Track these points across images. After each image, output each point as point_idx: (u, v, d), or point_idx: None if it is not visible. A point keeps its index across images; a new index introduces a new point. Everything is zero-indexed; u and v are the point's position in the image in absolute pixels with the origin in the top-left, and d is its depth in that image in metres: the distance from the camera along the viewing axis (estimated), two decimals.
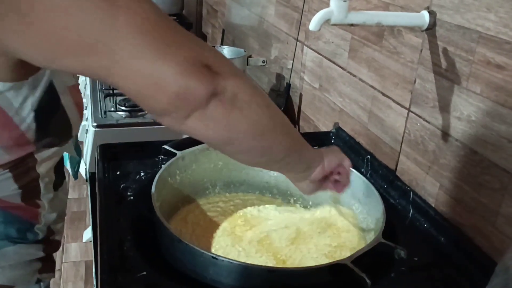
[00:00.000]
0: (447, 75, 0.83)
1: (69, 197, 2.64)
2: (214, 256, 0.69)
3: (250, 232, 0.85)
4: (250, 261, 0.77)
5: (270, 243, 0.82)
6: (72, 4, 0.43)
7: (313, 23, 0.77)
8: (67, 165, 0.90)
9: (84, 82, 1.99)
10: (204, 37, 2.88)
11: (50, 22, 0.44)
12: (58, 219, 0.79)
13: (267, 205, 0.95)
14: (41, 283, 0.78)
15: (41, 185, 0.71)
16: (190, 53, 0.47)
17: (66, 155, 0.85)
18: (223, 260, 0.68)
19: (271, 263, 0.77)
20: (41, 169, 0.70)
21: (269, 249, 0.81)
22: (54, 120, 0.67)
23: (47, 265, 0.78)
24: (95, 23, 0.44)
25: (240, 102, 0.51)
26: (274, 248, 0.81)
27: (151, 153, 1.02)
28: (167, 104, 0.47)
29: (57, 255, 2.18)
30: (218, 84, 0.48)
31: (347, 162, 0.76)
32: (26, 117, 0.61)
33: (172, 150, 0.95)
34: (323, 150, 0.74)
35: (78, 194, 2.67)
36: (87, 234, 2.26)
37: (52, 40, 0.45)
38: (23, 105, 0.60)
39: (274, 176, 1.02)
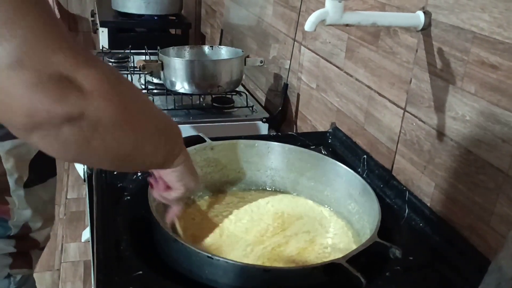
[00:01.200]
0: (442, 75, 0.83)
1: (68, 197, 2.64)
2: (209, 255, 0.69)
3: (246, 232, 0.86)
4: (247, 260, 0.77)
5: (268, 243, 0.83)
6: None
7: (309, 24, 0.78)
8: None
9: None
10: (203, 37, 2.89)
11: None
12: (36, 216, 0.78)
13: (263, 203, 0.95)
14: (12, 278, 0.77)
15: (10, 181, 0.70)
16: (50, 60, 0.37)
17: None
18: (218, 260, 0.69)
19: (266, 262, 0.78)
20: (8, 165, 0.68)
21: (265, 249, 0.81)
22: None
23: (20, 261, 0.78)
24: None
25: (103, 129, 0.42)
26: (270, 248, 0.81)
27: None
28: (9, 117, 0.38)
29: (56, 255, 2.19)
30: (77, 107, 0.39)
31: (176, 192, 0.69)
32: None
33: None
34: (186, 164, 0.66)
35: (77, 194, 2.67)
36: (86, 234, 2.26)
37: None
38: None
39: (271, 175, 1.02)
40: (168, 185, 0.69)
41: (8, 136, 0.67)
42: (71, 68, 0.38)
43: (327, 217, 0.93)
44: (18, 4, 0.36)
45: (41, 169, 0.77)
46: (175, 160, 0.64)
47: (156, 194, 0.73)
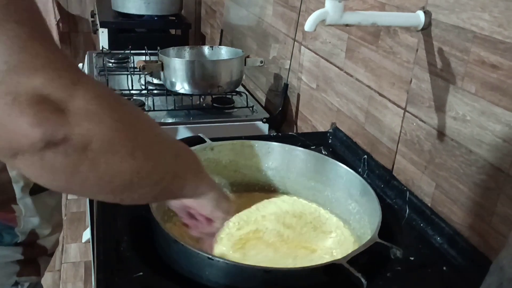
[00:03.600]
0: (442, 75, 0.83)
1: (68, 197, 2.64)
2: (210, 256, 0.69)
3: (246, 232, 0.85)
4: (247, 261, 0.77)
5: (267, 244, 0.83)
6: None
7: (308, 24, 0.77)
8: None
9: None
10: (203, 37, 2.89)
11: None
12: (44, 223, 0.78)
13: (263, 203, 0.95)
14: (19, 286, 0.77)
15: (16, 189, 0.70)
16: (29, 80, 0.33)
17: None
18: (218, 261, 0.69)
19: (267, 263, 0.78)
20: (13, 172, 0.68)
21: (265, 249, 0.81)
22: None
23: (28, 269, 0.78)
24: None
25: (93, 153, 0.38)
26: (270, 248, 0.81)
27: None
28: None
29: (56, 256, 2.19)
30: (59, 130, 0.35)
31: (219, 222, 0.64)
32: None
33: None
34: (214, 191, 0.60)
35: None
36: (87, 234, 2.26)
37: None
38: None
39: (271, 176, 1.02)
40: (208, 218, 0.65)
41: None
42: (53, 89, 0.34)
43: (327, 218, 0.93)
44: (31, 42, 0.33)
45: None
46: (201, 187, 0.59)
47: (197, 232, 0.67)
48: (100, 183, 0.41)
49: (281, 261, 0.80)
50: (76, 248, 2.29)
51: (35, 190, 0.75)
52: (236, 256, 0.78)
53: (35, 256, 0.79)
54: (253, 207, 0.94)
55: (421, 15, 0.85)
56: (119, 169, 0.41)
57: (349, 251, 0.72)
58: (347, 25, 0.80)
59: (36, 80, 0.33)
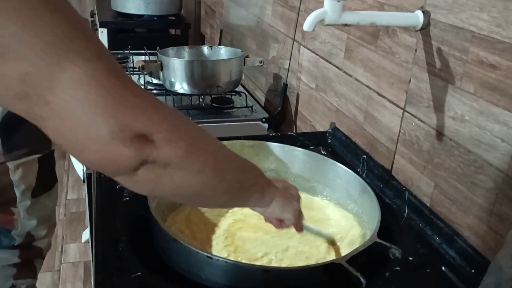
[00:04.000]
0: (441, 75, 0.83)
1: (68, 198, 2.64)
2: (209, 255, 0.69)
3: (245, 232, 0.86)
4: (246, 260, 0.77)
5: (266, 243, 0.83)
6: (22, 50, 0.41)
7: (307, 24, 0.77)
8: None
9: None
10: (202, 37, 2.89)
11: None
12: (41, 225, 0.78)
13: None
14: None
15: (17, 192, 0.70)
16: (126, 120, 0.44)
17: None
18: (218, 260, 0.69)
19: (265, 262, 0.78)
20: (15, 176, 0.69)
21: (264, 248, 0.81)
22: (22, 132, 0.66)
23: (24, 271, 0.78)
24: (37, 73, 0.41)
25: (172, 169, 0.49)
26: (268, 248, 0.81)
27: None
28: (94, 163, 0.46)
29: (56, 256, 2.19)
30: (149, 156, 0.47)
31: (288, 221, 0.73)
32: None
33: None
34: (277, 198, 0.70)
35: (77, 195, 2.67)
36: (86, 234, 2.26)
37: None
38: None
39: (270, 176, 1.02)
40: (280, 219, 0.73)
41: (23, 155, 0.68)
42: (146, 127, 0.46)
43: (327, 217, 0.93)
44: (127, 93, 0.45)
45: (47, 176, 0.77)
46: (265, 198, 0.68)
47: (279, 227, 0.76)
48: (175, 191, 0.53)
49: (278, 243, 0.81)
50: (76, 248, 2.29)
51: (36, 193, 0.75)
52: (232, 254, 0.79)
53: (31, 258, 0.79)
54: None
55: (419, 15, 0.85)
56: (190, 182, 0.52)
57: (348, 251, 0.72)
58: (345, 25, 0.80)
59: (135, 118, 0.45)
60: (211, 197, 0.58)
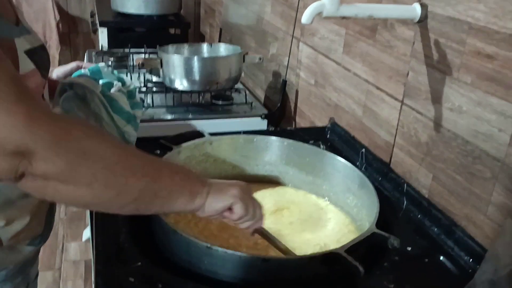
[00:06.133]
0: (439, 67, 0.83)
1: None
2: (208, 246, 0.69)
3: None
4: (245, 251, 0.77)
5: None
6: None
7: (305, 16, 0.78)
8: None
9: None
10: (202, 36, 2.89)
11: None
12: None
13: (262, 197, 0.95)
14: None
15: None
16: (6, 137, 0.49)
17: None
18: (217, 250, 0.69)
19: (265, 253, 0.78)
20: None
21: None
22: None
23: None
24: None
25: (54, 182, 0.53)
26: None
27: (147, 147, 1.02)
28: None
29: (57, 254, 2.19)
30: (25, 170, 0.52)
31: (236, 208, 0.68)
32: None
33: (168, 144, 0.96)
34: (211, 194, 0.66)
35: None
36: (86, 233, 2.26)
37: None
38: None
39: (269, 170, 1.03)
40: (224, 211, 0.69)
41: None
42: (21, 144, 0.50)
43: (326, 211, 0.93)
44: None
45: None
46: (196, 200, 0.65)
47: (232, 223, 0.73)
48: (66, 200, 0.58)
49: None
50: (76, 247, 2.29)
51: None
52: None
53: None
54: None
55: (417, 7, 0.85)
56: (77, 194, 0.55)
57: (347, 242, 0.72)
58: (343, 17, 0.81)
59: (16, 141, 0.50)
60: (112, 206, 0.60)
